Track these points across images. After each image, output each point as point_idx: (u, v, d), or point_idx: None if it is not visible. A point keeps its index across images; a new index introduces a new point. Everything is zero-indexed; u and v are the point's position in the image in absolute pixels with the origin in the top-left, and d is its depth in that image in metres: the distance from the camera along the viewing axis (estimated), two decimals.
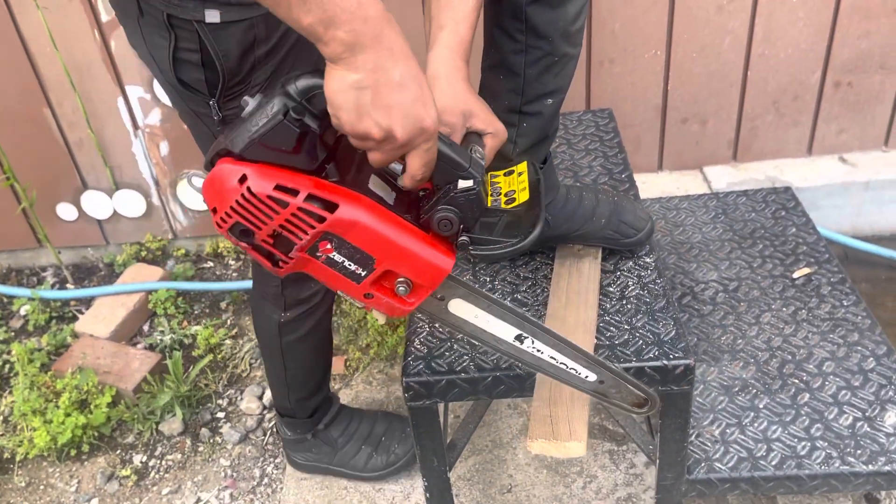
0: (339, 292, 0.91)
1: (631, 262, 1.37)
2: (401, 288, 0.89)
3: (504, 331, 1.01)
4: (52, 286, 2.43)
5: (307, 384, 1.63)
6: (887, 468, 1.30)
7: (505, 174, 1.02)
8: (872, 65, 2.12)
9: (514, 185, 1.00)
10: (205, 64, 1.11)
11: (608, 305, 1.29)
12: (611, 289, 1.32)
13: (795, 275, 1.70)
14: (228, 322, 2.23)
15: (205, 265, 2.43)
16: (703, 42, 2.09)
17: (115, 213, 2.36)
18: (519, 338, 1.03)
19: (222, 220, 0.85)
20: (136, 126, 2.21)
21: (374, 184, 0.90)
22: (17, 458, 1.90)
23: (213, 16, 1.06)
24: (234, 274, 2.38)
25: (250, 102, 0.85)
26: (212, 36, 1.08)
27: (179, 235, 2.44)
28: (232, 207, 0.84)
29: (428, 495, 1.36)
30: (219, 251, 2.44)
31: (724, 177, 2.26)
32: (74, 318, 2.29)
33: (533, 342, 1.03)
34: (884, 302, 2.08)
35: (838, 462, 1.32)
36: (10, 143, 2.21)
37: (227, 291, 2.30)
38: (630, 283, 1.32)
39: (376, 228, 0.85)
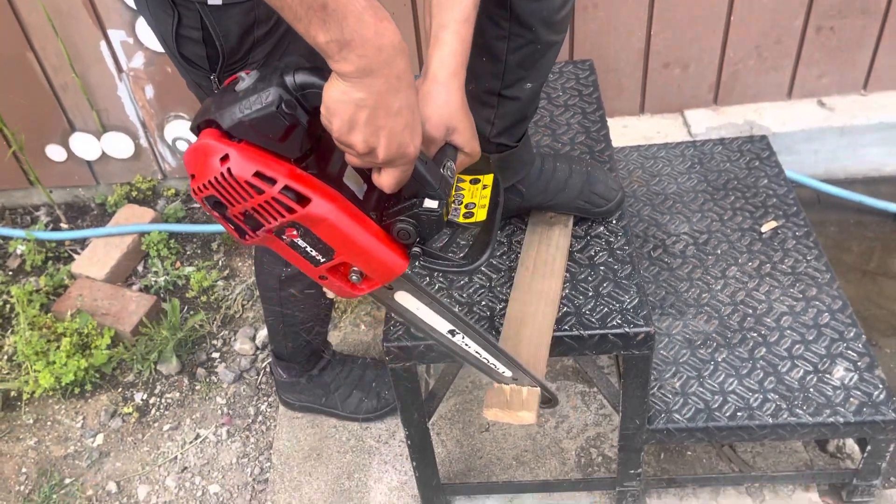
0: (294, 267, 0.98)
1: (602, 228, 1.44)
2: (354, 277, 0.95)
3: (440, 324, 1.11)
4: (46, 225, 2.49)
5: (305, 333, 1.71)
6: (831, 420, 1.42)
7: (471, 181, 1.06)
8: (854, 10, 2.13)
9: (476, 198, 1.04)
10: (206, 42, 1.14)
11: (577, 273, 1.36)
12: (580, 256, 1.39)
13: (763, 229, 1.77)
14: (220, 263, 2.31)
15: (195, 205, 2.48)
16: None
17: (103, 154, 2.39)
18: (452, 332, 1.13)
19: (199, 188, 0.89)
20: (120, 69, 2.21)
21: (348, 176, 0.95)
22: (24, 397, 2.01)
23: None
24: None
25: (245, 79, 0.87)
26: (213, 17, 1.11)
27: (169, 176, 2.48)
28: (210, 182, 0.87)
29: (409, 443, 1.48)
30: None
31: (704, 121, 2.30)
32: (70, 259, 2.36)
33: (463, 338, 1.13)
34: (850, 246, 2.17)
35: (787, 413, 1.43)
36: None
37: (218, 232, 2.37)
38: (599, 249, 1.40)
39: (341, 227, 0.90)
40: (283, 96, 0.84)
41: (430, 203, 0.91)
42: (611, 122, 1.84)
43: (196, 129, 0.89)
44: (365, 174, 0.96)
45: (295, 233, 0.91)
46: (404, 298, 1.06)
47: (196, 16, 1.10)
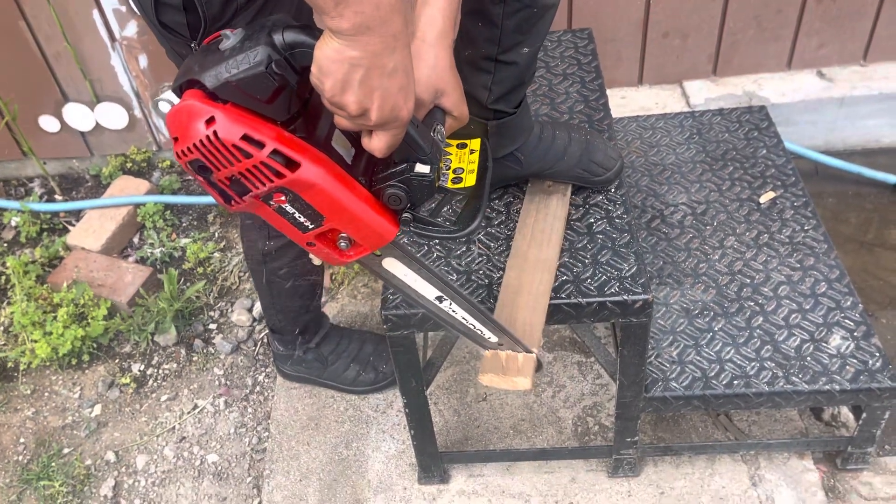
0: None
1: (601, 197, 1.43)
2: (342, 243, 0.94)
3: (428, 291, 1.11)
4: (41, 197, 2.47)
5: (293, 306, 1.71)
6: (827, 387, 1.42)
7: (458, 146, 1.05)
8: None
9: (464, 163, 1.02)
10: (186, 8, 1.11)
11: (575, 241, 1.36)
12: (578, 224, 1.39)
13: (762, 199, 1.76)
14: (216, 235, 2.30)
15: (190, 177, 2.46)
16: None
17: (97, 125, 2.37)
18: (439, 298, 1.13)
19: (183, 152, 0.86)
20: (113, 39, 2.19)
21: (336, 140, 0.93)
22: (21, 368, 2.01)
23: None
24: None
25: (230, 37, 0.84)
26: None
27: (164, 147, 2.46)
28: (195, 145, 0.84)
29: (407, 411, 1.48)
30: None
31: (703, 92, 2.28)
32: (65, 230, 2.35)
33: (451, 304, 1.13)
34: (847, 217, 2.17)
35: (783, 381, 1.44)
36: None
37: (214, 204, 2.35)
38: (597, 218, 1.39)
39: (331, 192, 0.88)
40: (273, 56, 0.82)
41: (421, 168, 0.90)
42: (609, 93, 1.82)
43: (178, 90, 0.87)
44: (353, 138, 0.94)
45: (283, 198, 0.89)
46: (392, 265, 1.05)
47: None
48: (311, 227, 0.92)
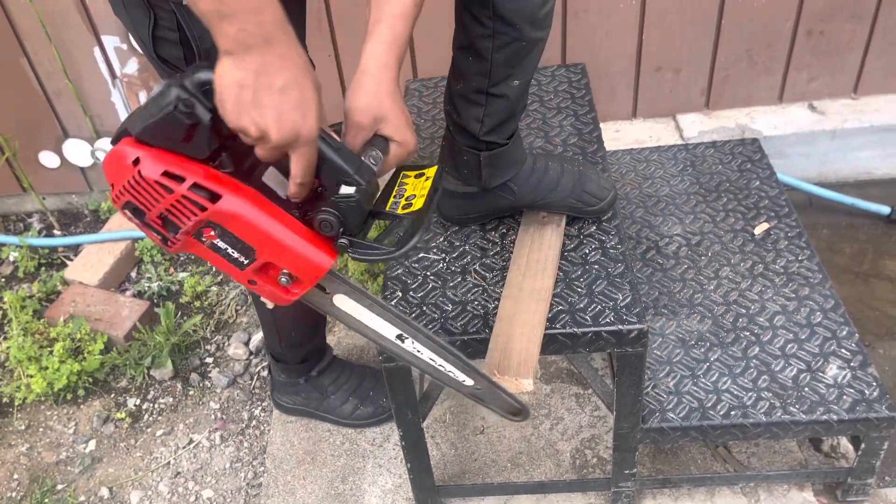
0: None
1: (594, 228, 1.44)
2: (283, 279, 0.93)
3: (386, 329, 1.05)
4: (39, 232, 2.48)
5: (296, 335, 1.71)
6: (825, 417, 1.42)
7: (416, 176, 1.05)
8: (844, 14, 2.15)
9: (417, 190, 1.02)
10: (183, 43, 1.13)
11: (570, 271, 1.36)
12: (573, 255, 1.39)
13: (756, 231, 1.77)
14: (214, 269, 2.30)
15: None
16: None
17: (97, 160, 2.39)
18: (400, 337, 1.06)
19: (117, 196, 0.91)
20: (113, 75, 2.22)
21: (270, 177, 0.94)
22: (16, 403, 2.00)
23: None
24: None
25: (154, 88, 0.89)
26: (188, 17, 1.10)
27: None
28: (125, 186, 0.89)
29: (403, 444, 1.47)
30: None
31: (696, 125, 2.31)
32: (63, 265, 2.36)
33: (413, 343, 1.06)
34: (842, 248, 2.18)
35: (780, 412, 1.43)
36: None
37: None
38: (592, 248, 1.40)
39: (256, 222, 0.89)
40: (181, 95, 0.85)
41: (346, 189, 0.90)
42: (603, 126, 1.85)
43: (114, 141, 0.91)
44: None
45: (213, 233, 0.91)
46: (343, 302, 1.02)
47: (172, 16, 1.10)
48: (245, 262, 0.92)
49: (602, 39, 2.18)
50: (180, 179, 0.87)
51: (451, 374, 1.10)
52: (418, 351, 1.07)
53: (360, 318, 1.03)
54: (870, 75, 2.27)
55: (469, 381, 1.12)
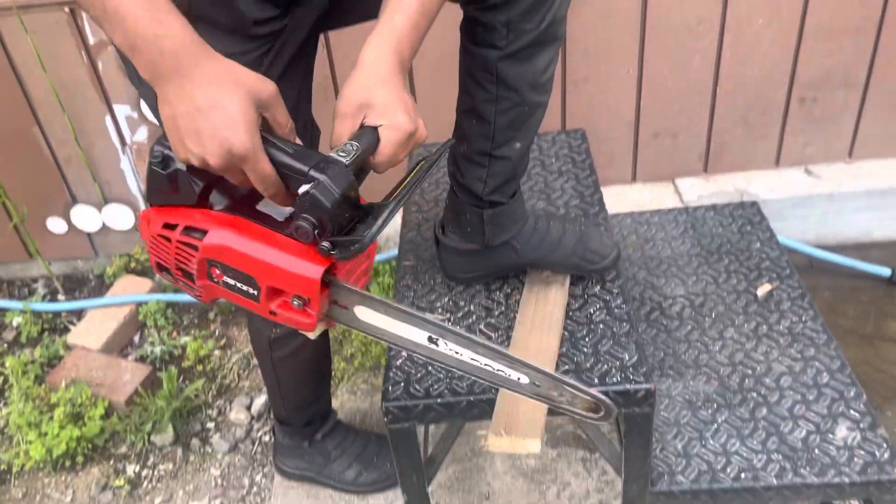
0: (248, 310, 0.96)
1: (599, 287, 1.45)
2: (295, 302, 0.91)
3: (415, 334, 0.97)
4: (43, 297, 2.49)
5: (300, 396, 1.70)
6: (837, 480, 1.40)
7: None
8: (836, 81, 2.21)
9: (408, 179, 0.96)
10: None
11: (575, 331, 1.37)
12: (578, 314, 1.40)
13: (759, 292, 1.78)
14: (217, 333, 2.30)
15: None
16: (673, 60, 2.17)
17: (104, 226, 2.42)
18: (431, 340, 0.97)
19: (150, 258, 0.96)
20: (123, 143, 2.27)
21: (265, 203, 0.94)
22: (14, 470, 1.97)
23: None
24: None
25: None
26: None
27: None
28: (149, 249, 0.95)
29: None
30: None
31: (695, 189, 2.35)
32: (66, 330, 2.35)
33: (447, 343, 0.97)
34: (845, 310, 2.18)
35: (791, 474, 1.41)
36: (0, 162, 2.26)
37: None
38: (597, 308, 1.41)
39: (242, 249, 0.89)
40: (156, 150, 0.89)
41: (303, 188, 0.85)
42: (604, 190, 1.88)
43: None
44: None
45: (219, 272, 0.91)
46: (366, 315, 0.96)
47: None
48: (255, 293, 0.91)
49: (601, 107, 2.24)
50: (173, 227, 0.91)
51: (501, 372, 0.97)
52: (456, 352, 0.97)
53: (386, 328, 0.97)
54: (863, 140, 2.31)
55: (525, 379, 0.97)
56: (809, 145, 2.33)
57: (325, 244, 0.87)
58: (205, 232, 0.89)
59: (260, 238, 0.89)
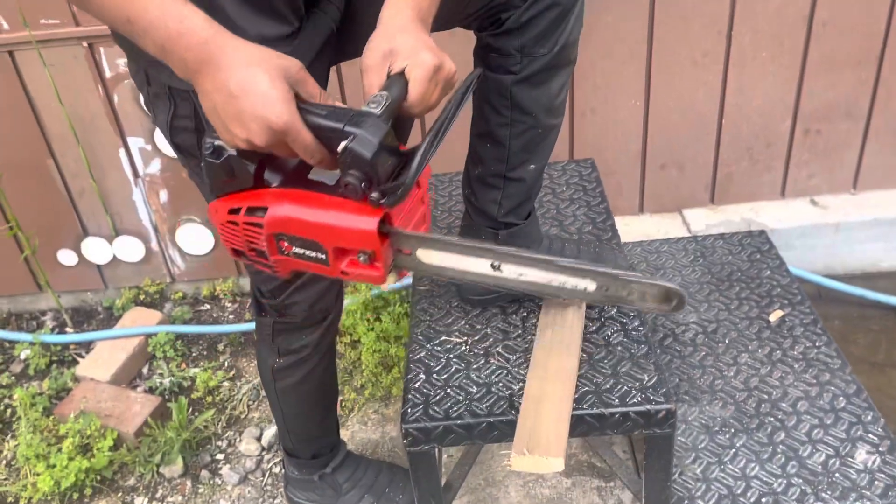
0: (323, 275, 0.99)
1: (615, 310, 1.45)
2: (361, 258, 0.95)
3: (478, 265, 1.00)
4: (52, 330, 2.48)
5: (305, 428, 1.68)
6: (859, 503, 1.38)
7: None
8: (839, 114, 2.24)
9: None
10: (199, 130, 1.15)
11: (594, 353, 1.37)
12: (595, 336, 1.40)
13: (771, 318, 1.79)
14: (226, 364, 2.29)
15: (202, 308, 2.49)
16: (679, 93, 2.21)
17: (114, 258, 2.43)
18: (494, 266, 1.00)
19: (225, 245, 1.00)
20: (136, 175, 2.29)
21: (317, 172, 0.97)
22: (21, 503, 1.94)
23: None
24: (231, 316, 2.45)
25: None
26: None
27: (177, 279, 2.50)
28: (223, 238, 1.00)
29: None
30: (215, 294, 2.50)
31: (703, 219, 2.36)
32: (75, 362, 2.35)
33: (510, 267, 0.99)
34: (856, 339, 2.18)
35: (812, 498, 1.40)
36: (14, 193, 2.27)
37: (224, 334, 2.37)
38: (614, 330, 1.41)
39: (302, 216, 0.94)
40: (206, 142, 0.93)
41: (342, 144, 0.87)
42: None
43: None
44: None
45: (287, 244, 0.96)
46: (429, 256, 1.00)
47: (189, 105, 1.13)
48: (323, 257, 0.96)
49: (608, 137, 2.27)
50: (237, 210, 0.96)
51: (566, 285, 0.99)
52: (520, 274, 0.99)
53: (450, 265, 0.99)
54: (868, 171, 2.34)
55: (591, 286, 0.99)
56: (814, 176, 2.36)
57: (374, 195, 0.90)
58: (265, 209, 0.94)
59: (315, 203, 0.94)
